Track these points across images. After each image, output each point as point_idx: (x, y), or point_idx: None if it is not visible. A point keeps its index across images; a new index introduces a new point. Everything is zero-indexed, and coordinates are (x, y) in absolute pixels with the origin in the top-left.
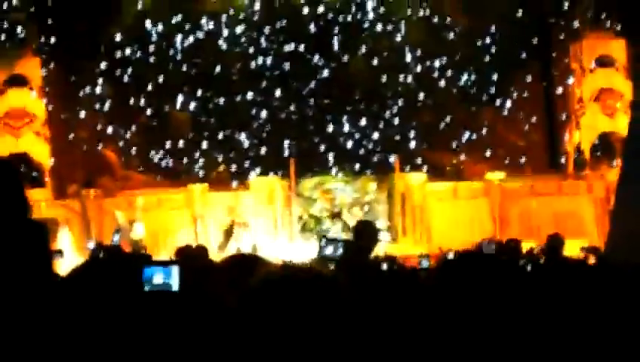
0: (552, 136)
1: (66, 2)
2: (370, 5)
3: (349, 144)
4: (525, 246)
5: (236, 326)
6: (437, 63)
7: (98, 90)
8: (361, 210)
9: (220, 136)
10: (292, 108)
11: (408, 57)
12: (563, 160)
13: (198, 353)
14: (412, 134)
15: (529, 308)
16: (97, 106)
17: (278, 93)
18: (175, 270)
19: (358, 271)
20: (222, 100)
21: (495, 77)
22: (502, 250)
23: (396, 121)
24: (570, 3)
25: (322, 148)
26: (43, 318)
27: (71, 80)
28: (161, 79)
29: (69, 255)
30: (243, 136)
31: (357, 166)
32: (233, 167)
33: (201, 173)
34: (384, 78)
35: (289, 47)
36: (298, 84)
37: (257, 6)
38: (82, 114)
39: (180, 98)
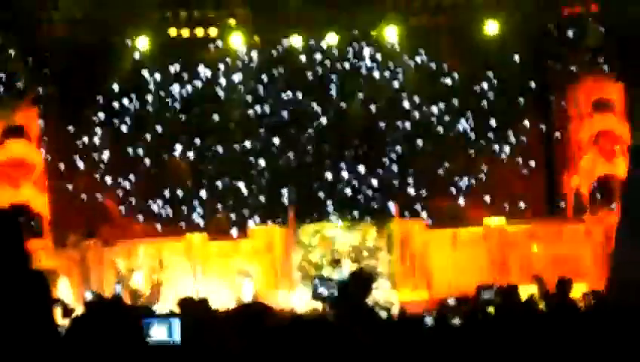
0: (550, 180)
1: (63, 52)
2: (367, 52)
3: (348, 191)
4: (526, 291)
5: None
6: (435, 109)
7: (96, 139)
8: (360, 256)
9: (219, 184)
10: (291, 155)
11: (406, 104)
12: (562, 204)
13: None
14: (411, 180)
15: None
16: (96, 156)
17: (276, 140)
18: (176, 323)
19: (351, 313)
20: (220, 148)
21: (493, 122)
22: (500, 295)
23: (395, 167)
24: (567, 47)
25: (321, 195)
26: None
27: (69, 130)
28: (159, 128)
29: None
30: (242, 184)
31: (356, 212)
32: (232, 216)
33: (200, 222)
34: (382, 125)
35: (287, 95)
36: (296, 131)
37: (255, 54)
38: (81, 163)
39: (179, 147)
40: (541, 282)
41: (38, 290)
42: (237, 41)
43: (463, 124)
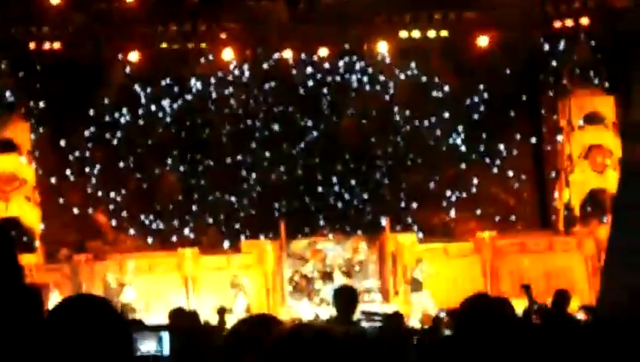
0: (541, 193)
1: (54, 67)
2: (358, 66)
3: (340, 204)
4: (518, 305)
5: None
6: (426, 123)
7: (87, 153)
8: (352, 270)
9: (210, 198)
10: (282, 169)
11: (397, 117)
12: (553, 217)
13: None
14: (402, 194)
15: None
16: (87, 170)
17: (267, 154)
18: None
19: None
20: (211, 162)
21: (484, 135)
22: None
23: (386, 180)
24: (558, 61)
25: (313, 208)
26: None
27: (60, 144)
28: (150, 142)
29: None
30: (233, 198)
31: (347, 226)
32: (224, 229)
33: (191, 236)
34: (373, 138)
35: (278, 109)
36: (287, 145)
37: (246, 68)
38: (72, 178)
39: (170, 161)
40: (528, 291)
41: (32, 305)
42: (228, 54)
43: (453, 138)
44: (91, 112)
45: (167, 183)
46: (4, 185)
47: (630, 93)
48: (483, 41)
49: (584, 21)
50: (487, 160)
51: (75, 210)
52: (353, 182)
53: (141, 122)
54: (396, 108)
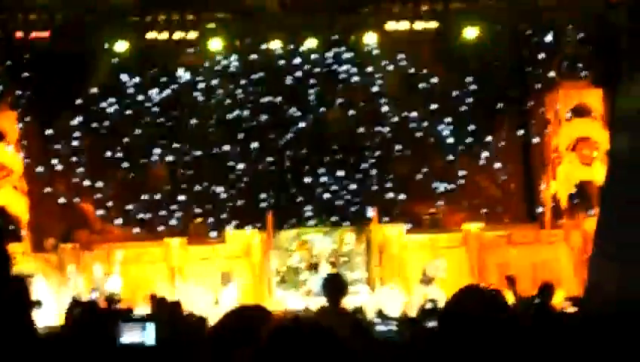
0: (529, 185)
1: (41, 56)
2: (346, 57)
3: (327, 195)
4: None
5: None
6: (414, 114)
7: (74, 143)
8: (339, 261)
9: (197, 188)
10: (269, 159)
11: (385, 108)
12: (540, 209)
13: None
14: (389, 185)
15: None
16: (74, 159)
17: (254, 144)
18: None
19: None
20: (198, 152)
21: (472, 127)
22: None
23: (373, 171)
24: (546, 53)
25: (300, 199)
26: None
27: (47, 133)
28: (137, 132)
29: (48, 306)
30: (220, 189)
31: (335, 217)
32: (210, 220)
33: (178, 226)
34: (361, 129)
35: (265, 99)
36: (275, 135)
37: (233, 58)
38: (59, 167)
39: (157, 150)
40: (512, 282)
41: (19, 294)
42: (216, 45)
43: (441, 129)
44: (78, 102)
45: (154, 173)
46: None
47: (619, 83)
48: (471, 32)
49: (572, 13)
50: (475, 152)
51: (62, 200)
52: (341, 173)
53: (128, 112)
54: (384, 100)
